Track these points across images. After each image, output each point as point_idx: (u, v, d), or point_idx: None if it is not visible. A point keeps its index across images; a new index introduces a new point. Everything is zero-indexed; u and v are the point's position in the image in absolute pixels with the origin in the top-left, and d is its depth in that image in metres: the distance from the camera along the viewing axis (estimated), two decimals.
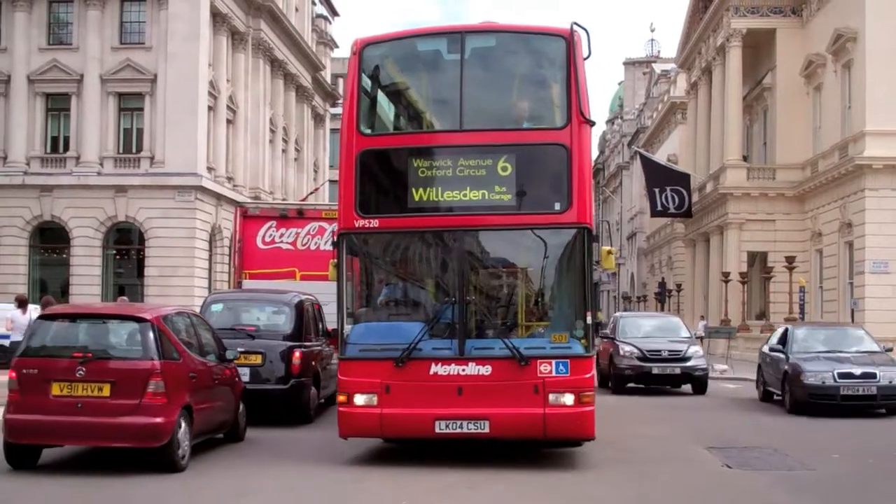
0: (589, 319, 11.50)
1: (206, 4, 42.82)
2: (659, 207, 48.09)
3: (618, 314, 29.85)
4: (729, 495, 10.79)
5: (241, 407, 13.89)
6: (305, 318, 16.39)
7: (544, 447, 12.68)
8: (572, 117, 11.57)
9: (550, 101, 12.48)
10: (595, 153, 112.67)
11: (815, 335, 20.45)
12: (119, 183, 41.93)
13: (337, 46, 70.60)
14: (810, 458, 13.05)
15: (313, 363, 16.21)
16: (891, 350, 20.33)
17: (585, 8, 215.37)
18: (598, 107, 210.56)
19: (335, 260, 11.94)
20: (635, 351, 23.21)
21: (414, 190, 11.83)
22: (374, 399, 11.43)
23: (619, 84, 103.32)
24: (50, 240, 43.53)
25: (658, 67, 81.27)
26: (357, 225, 11.75)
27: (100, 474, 11.26)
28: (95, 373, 10.86)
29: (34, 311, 20.89)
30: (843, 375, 18.07)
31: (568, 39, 11.70)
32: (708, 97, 51.36)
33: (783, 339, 20.38)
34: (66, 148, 42.85)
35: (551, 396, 11.25)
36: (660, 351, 23.27)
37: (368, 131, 12.28)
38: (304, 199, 46.12)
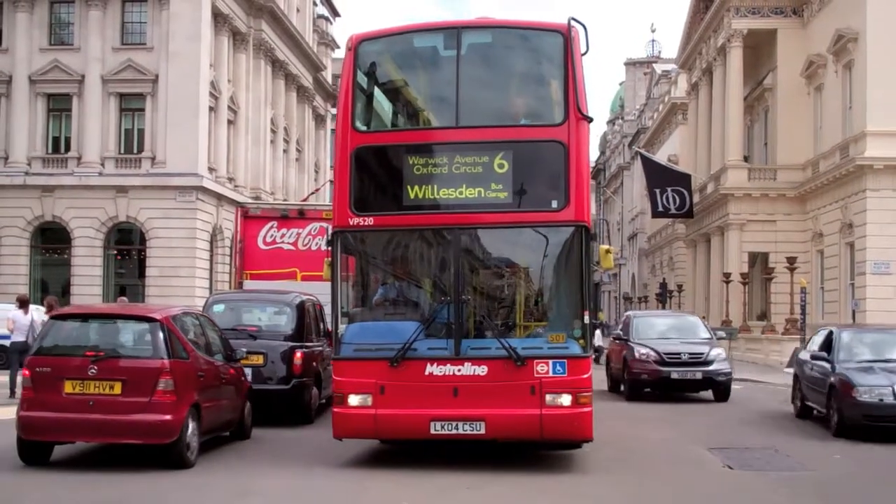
0: (587, 319, 11.33)
1: (207, 5, 42.85)
2: (660, 208, 48.08)
3: (631, 313, 27.03)
4: (730, 496, 10.78)
5: (248, 406, 14.20)
6: (307, 319, 16.42)
7: (543, 449, 12.57)
8: (570, 114, 11.43)
9: (548, 97, 12.38)
10: (596, 154, 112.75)
11: (863, 339, 16.92)
12: (120, 183, 41.96)
13: (338, 47, 70.62)
14: (811, 459, 13.04)
15: (315, 364, 16.23)
16: None
17: (586, 8, 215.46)
18: (599, 107, 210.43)
19: (330, 258, 11.81)
20: (652, 354, 21.22)
21: (409, 187, 11.70)
22: (369, 399, 11.28)
23: (620, 84, 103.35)
24: (51, 240, 43.56)
25: (659, 68, 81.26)
26: (352, 223, 11.61)
27: (109, 471, 11.42)
28: (107, 371, 11.16)
29: (35, 311, 20.99)
30: None
31: (565, 35, 11.55)
32: (709, 98, 51.36)
33: (827, 345, 16.79)
34: (68, 148, 42.87)
35: (548, 397, 11.08)
36: (679, 354, 21.25)
37: (363, 128, 12.16)
38: (305, 200, 46.20)
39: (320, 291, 17.22)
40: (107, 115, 42.40)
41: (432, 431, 11.17)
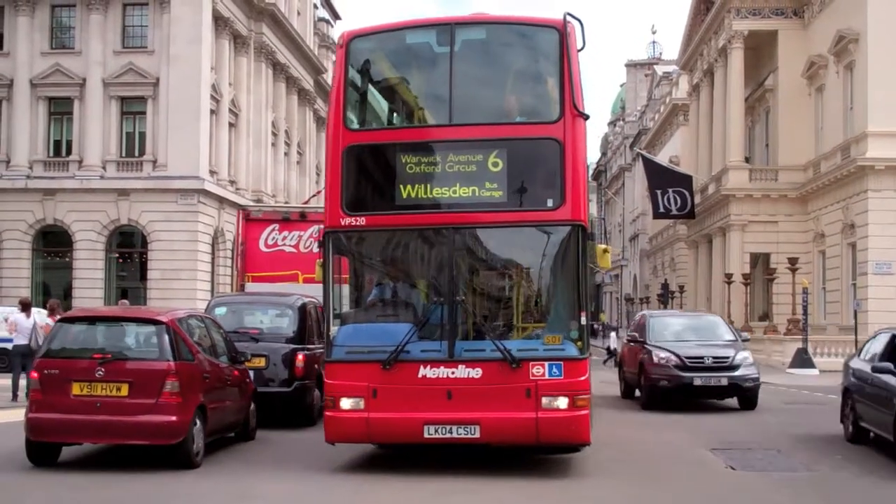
0: (583, 320, 11.00)
1: (208, 8, 42.89)
2: (661, 209, 48.11)
3: (647, 312, 24.67)
4: (732, 497, 10.78)
5: (252, 407, 14.32)
6: (308, 321, 16.42)
7: (540, 454, 12.26)
8: (565, 111, 11.17)
9: (543, 94, 12.09)
10: (597, 155, 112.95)
11: None
12: (122, 186, 42.00)
13: None
14: (814, 459, 13.03)
15: (317, 366, 16.20)
16: None
17: (587, 9, 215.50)
18: (600, 108, 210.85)
19: (322, 260, 11.61)
20: (672, 358, 19.37)
21: (402, 186, 11.44)
22: (361, 403, 11.05)
23: (621, 86, 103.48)
24: (53, 243, 43.61)
25: (660, 69, 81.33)
26: (343, 223, 11.39)
27: (116, 472, 11.53)
28: (114, 373, 11.29)
29: (37, 314, 20.99)
30: None
31: (561, 31, 11.33)
32: (710, 99, 51.38)
33: (891, 352, 13.36)
34: (69, 152, 42.93)
35: (544, 400, 10.81)
36: (702, 358, 19.35)
37: (355, 126, 11.97)
38: (306, 202, 46.17)
39: (322, 294, 17.24)
40: (108, 118, 42.45)
41: (426, 435, 10.95)
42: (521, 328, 11.74)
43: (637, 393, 21.13)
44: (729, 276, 42.01)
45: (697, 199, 48.12)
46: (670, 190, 47.21)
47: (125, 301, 36.94)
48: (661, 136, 72.22)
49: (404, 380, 10.97)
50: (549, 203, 11.16)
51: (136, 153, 43.05)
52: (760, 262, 44.03)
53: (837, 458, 13.34)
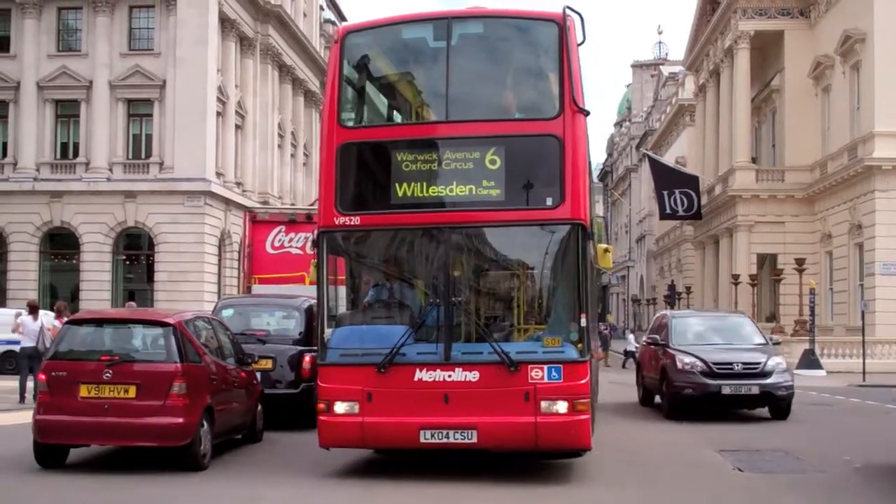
0: (583, 322, 10.71)
1: (214, 10, 42.96)
2: (668, 210, 48.05)
3: (668, 313, 22.64)
4: (739, 498, 10.75)
5: (259, 409, 14.34)
6: (315, 323, 16.41)
7: (542, 459, 12.02)
8: (565, 107, 10.87)
9: (542, 89, 11.78)
10: (603, 156, 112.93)
11: None
12: (128, 188, 42.08)
13: None
14: (822, 461, 13.00)
15: None
16: None
17: (593, 10, 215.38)
18: (606, 109, 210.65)
19: (315, 260, 11.30)
20: (698, 363, 17.70)
21: (397, 185, 11.12)
22: (356, 407, 10.78)
23: (627, 87, 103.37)
24: (60, 245, 43.69)
25: (666, 70, 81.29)
26: (337, 223, 11.10)
27: (123, 474, 11.58)
28: (121, 375, 11.32)
29: (45, 316, 21.03)
30: None
31: (560, 24, 11.01)
32: (716, 99, 51.32)
33: None
34: (76, 154, 43.01)
35: (543, 404, 10.51)
36: (731, 364, 17.68)
37: (350, 123, 11.67)
38: (312, 204, 46.05)
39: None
40: (115, 120, 42.52)
41: (422, 440, 10.67)
42: (519, 330, 11.46)
43: (657, 399, 19.88)
44: (736, 277, 41.96)
45: (704, 200, 48.05)
46: (677, 191, 47.14)
47: (132, 303, 36.98)
48: (667, 137, 72.15)
49: (400, 383, 10.71)
50: (549, 201, 10.88)
51: (143, 155, 43.12)
52: (767, 262, 43.95)
53: (846, 459, 13.32)
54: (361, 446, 11.50)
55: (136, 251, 43.99)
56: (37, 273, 42.71)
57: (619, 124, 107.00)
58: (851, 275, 38.07)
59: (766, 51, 46.22)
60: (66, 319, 15.53)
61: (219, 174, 44.24)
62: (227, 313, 16.79)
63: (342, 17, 74.62)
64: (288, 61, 53.50)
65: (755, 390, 17.49)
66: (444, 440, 10.66)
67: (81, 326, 12.46)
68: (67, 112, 43.28)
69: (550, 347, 10.72)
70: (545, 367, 10.57)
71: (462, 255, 11.39)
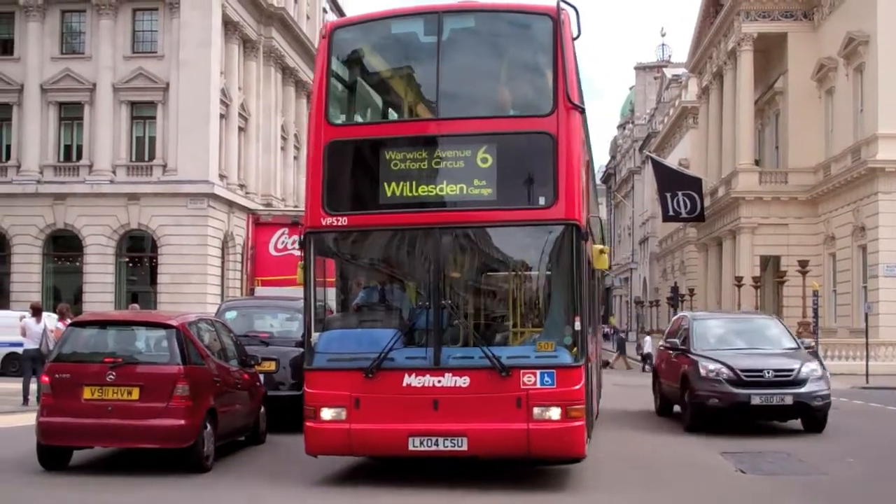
0: (578, 325, 10.36)
1: (217, 13, 43.00)
2: (671, 212, 48.03)
3: (688, 314, 20.39)
4: (742, 501, 10.75)
5: (262, 410, 14.38)
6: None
7: (537, 465, 11.61)
8: (559, 103, 10.50)
9: (535, 85, 11.41)
10: (606, 158, 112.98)
11: None
12: (132, 191, 42.11)
13: None
14: (824, 462, 12.98)
15: None
16: None
17: (596, 12, 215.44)
18: (609, 111, 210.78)
19: (303, 262, 11.00)
20: (723, 370, 15.93)
21: (386, 184, 10.77)
22: (343, 413, 10.49)
23: (631, 89, 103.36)
24: (63, 248, 43.72)
25: (669, 72, 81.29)
26: (324, 223, 10.79)
27: (126, 475, 11.60)
28: (125, 377, 11.34)
29: (48, 319, 21.06)
30: None
31: (554, 18, 10.62)
32: (719, 101, 51.30)
33: None
34: (80, 156, 43.03)
35: (536, 410, 10.16)
36: (761, 371, 15.89)
37: (338, 121, 11.36)
38: None
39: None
40: (118, 123, 42.56)
41: (410, 448, 10.38)
42: (512, 334, 11.08)
43: (676, 408, 18.13)
44: (739, 279, 41.90)
45: (707, 202, 48.03)
46: (680, 193, 47.13)
47: (136, 305, 36.97)
48: (670, 139, 72.14)
49: (388, 389, 10.40)
50: (542, 201, 10.55)
51: (146, 157, 43.14)
52: (770, 264, 43.92)
53: (849, 461, 13.31)
54: (348, 453, 11.23)
55: (139, 253, 44.02)
56: (40, 275, 42.72)
57: (622, 126, 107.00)
58: (855, 277, 38.03)
59: (770, 53, 46.20)
60: (69, 321, 15.55)
61: (222, 176, 44.27)
62: (230, 315, 16.84)
63: None
64: (291, 63, 53.53)
65: (788, 400, 15.64)
66: (434, 448, 10.37)
67: (85, 328, 12.51)
68: (71, 114, 43.31)
69: (543, 352, 10.41)
70: (538, 372, 10.26)
71: (453, 256, 11.11)
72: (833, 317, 39.69)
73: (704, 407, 16.06)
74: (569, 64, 10.58)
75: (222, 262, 44.07)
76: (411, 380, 10.40)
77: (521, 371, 10.25)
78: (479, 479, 11.12)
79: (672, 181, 48.25)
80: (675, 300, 56.49)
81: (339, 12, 72.63)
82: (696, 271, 57.95)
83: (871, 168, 35.53)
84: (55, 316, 22.02)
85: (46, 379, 11.70)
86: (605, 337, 57.76)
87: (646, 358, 40.80)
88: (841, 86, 39.94)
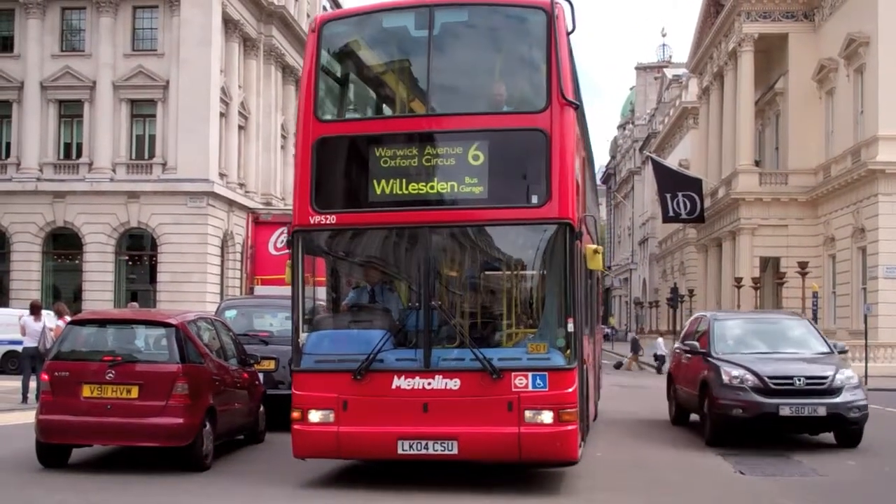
0: (571, 327, 10.13)
1: (217, 11, 42.99)
2: (671, 213, 48.04)
3: (709, 314, 17.95)
4: (742, 502, 10.73)
5: (261, 409, 14.41)
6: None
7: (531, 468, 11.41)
8: (552, 99, 10.26)
9: (528, 81, 11.14)
10: (606, 158, 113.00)
11: None
12: (131, 189, 42.10)
13: None
14: (824, 464, 12.96)
15: None
16: None
17: (597, 13, 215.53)
18: (610, 112, 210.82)
19: (291, 261, 10.77)
20: (748, 377, 14.29)
21: (375, 182, 10.54)
22: (331, 416, 10.33)
23: (631, 89, 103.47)
24: (63, 246, 43.70)
25: (670, 72, 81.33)
26: (312, 221, 10.58)
27: (124, 473, 11.60)
28: (124, 375, 11.36)
29: (47, 317, 21.05)
30: None
31: (548, 12, 10.37)
32: (720, 102, 51.30)
33: None
34: (79, 154, 43.02)
35: (527, 414, 9.98)
36: (791, 378, 14.22)
37: (327, 117, 11.15)
38: None
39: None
40: (118, 121, 42.55)
41: (400, 451, 10.20)
42: (503, 335, 10.88)
43: (693, 417, 16.81)
44: (739, 280, 41.91)
45: (707, 203, 48.04)
46: (680, 194, 47.14)
47: (134, 304, 36.99)
48: (670, 140, 72.14)
49: (377, 391, 10.22)
50: (535, 199, 10.28)
51: (146, 156, 43.14)
52: (770, 265, 43.92)
53: (850, 463, 13.29)
54: (336, 457, 11.05)
55: (138, 252, 44.00)
56: (39, 273, 42.73)
57: (622, 127, 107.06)
58: (854, 278, 38.02)
59: (770, 54, 46.19)
60: (68, 319, 15.55)
61: (222, 175, 44.26)
62: (230, 314, 16.88)
63: None
64: (291, 62, 53.52)
65: (821, 411, 13.98)
66: (423, 451, 10.20)
67: (84, 327, 12.52)
68: (71, 112, 43.30)
69: (536, 354, 10.19)
70: (530, 374, 10.05)
71: (443, 256, 10.94)
72: (832, 318, 39.67)
73: (727, 418, 14.35)
74: (563, 59, 10.35)
75: (222, 261, 44.07)
76: (401, 382, 10.22)
77: (513, 373, 10.07)
78: (479, 477, 11.10)
79: (672, 182, 48.27)
80: (675, 301, 56.54)
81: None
82: (695, 272, 57.96)
83: (871, 170, 35.52)
84: (53, 314, 22.02)
85: (46, 377, 11.71)
86: (606, 337, 57.84)
87: (659, 359, 40.67)
88: (841, 87, 39.93)
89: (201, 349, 12.22)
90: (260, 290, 21.65)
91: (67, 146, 43.58)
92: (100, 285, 41.85)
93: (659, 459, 13.52)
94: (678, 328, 49.25)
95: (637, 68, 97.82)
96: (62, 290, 42.74)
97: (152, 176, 42.50)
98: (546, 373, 10.05)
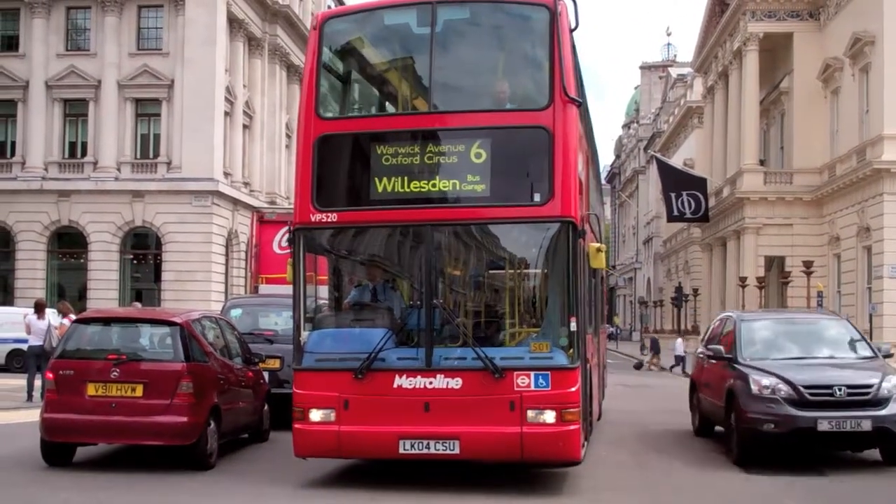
0: (574, 326, 10.10)
1: (222, 10, 43.02)
2: (675, 212, 47.96)
3: (734, 314, 15.75)
4: (745, 499, 10.72)
5: (266, 408, 14.45)
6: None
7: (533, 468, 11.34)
8: (555, 97, 10.21)
9: (531, 78, 11.11)
10: (611, 157, 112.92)
11: None
12: (136, 188, 42.12)
13: None
14: (827, 462, 12.92)
15: None
16: None
17: (601, 12, 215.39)
18: (614, 111, 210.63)
19: (292, 259, 10.75)
20: (781, 386, 12.42)
21: (377, 180, 10.48)
22: (332, 415, 10.29)
23: (636, 88, 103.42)
24: (68, 245, 43.76)
25: (674, 71, 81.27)
26: (314, 219, 10.55)
27: (129, 472, 11.61)
28: (129, 374, 11.38)
29: (52, 315, 21.08)
30: None
31: (551, 9, 10.30)
32: (725, 101, 51.22)
33: None
34: (84, 153, 43.04)
35: (529, 413, 9.93)
36: (831, 387, 12.30)
37: (328, 115, 11.11)
38: None
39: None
40: (123, 120, 42.58)
41: (401, 451, 10.17)
42: (506, 335, 10.81)
43: (718, 428, 15.05)
44: (743, 280, 41.83)
45: (712, 202, 47.97)
46: (684, 193, 47.05)
47: (137, 304, 37.07)
48: (675, 139, 72.06)
49: (378, 390, 10.18)
50: (537, 197, 10.24)
51: (151, 155, 43.16)
52: (775, 265, 43.82)
53: (851, 462, 13.26)
54: (337, 456, 11.02)
55: (143, 251, 44.02)
56: (44, 272, 42.78)
57: (626, 126, 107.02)
58: (859, 278, 37.94)
59: (775, 53, 46.10)
60: (73, 318, 15.58)
61: (226, 174, 44.29)
62: (235, 313, 16.96)
63: None
64: (296, 61, 53.52)
65: (866, 426, 12.13)
66: (425, 451, 10.17)
67: (89, 325, 12.54)
68: (76, 111, 43.32)
69: (538, 353, 10.14)
70: (532, 374, 10.00)
71: (445, 254, 10.87)
72: None
73: (757, 434, 12.52)
74: (566, 56, 10.30)
75: (226, 260, 44.11)
76: (402, 381, 10.19)
77: (515, 373, 10.01)
78: (481, 477, 11.10)
79: (677, 181, 48.17)
80: (679, 300, 56.54)
81: None
82: (700, 271, 57.90)
83: (876, 169, 35.42)
84: (57, 313, 22.05)
85: (50, 375, 11.74)
86: (610, 337, 57.83)
87: (680, 361, 40.40)
88: (847, 86, 39.84)
89: (206, 348, 12.25)
90: (264, 288, 21.67)
91: (72, 145, 43.60)
92: (105, 284, 41.88)
93: (661, 458, 13.51)
94: (683, 327, 49.30)
95: (641, 67, 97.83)
96: (67, 289, 42.79)
97: (157, 175, 42.53)
98: (549, 372, 10.00)
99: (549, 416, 9.97)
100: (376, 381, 10.23)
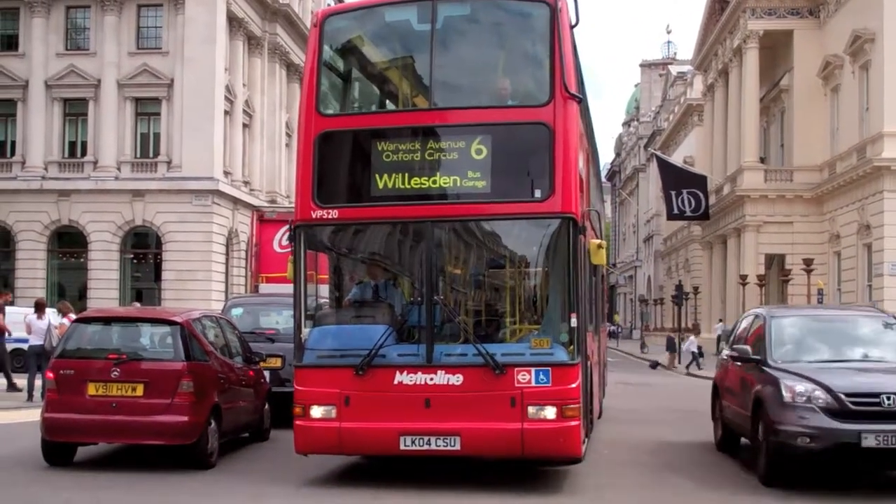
0: (574, 322, 10.07)
1: (222, 9, 43.01)
2: (675, 210, 47.97)
3: (763, 311, 13.44)
4: (747, 499, 10.69)
5: (266, 407, 14.43)
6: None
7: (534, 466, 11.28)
8: (556, 93, 10.21)
9: (531, 74, 11.10)
10: (611, 155, 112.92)
11: None
12: (136, 187, 42.13)
13: None
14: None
15: None
16: None
17: (601, 9, 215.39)
18: (615, 109, 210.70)
19: (292, 256, 10.72)
20: (818, 394, 10.50)
21: (377, 176, 10.50)
22: (333, 411, 10.28)
23: (636, 86, 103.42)
24: (68, 244, 43.77)
25: (674, 69, 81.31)
26: (314, 216, 10.54)
27: (129, 472, 11.59)
28: (129, 373, 11.36)
29: (52, 315, 21.07)
30: None
31: (551, 5, 10.31)
32: (725, 99, 51.23)
33: None
34: (84, 153, 43.05)
35: (530, 409, 9.92)
36: (878, 396, 10.36)
37: (329, 111, 11.10)
38: None
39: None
40: (123, 119, 42.58)
41: (402, 447, 10.17)
42: (506, 331, 10.80)
43: (744, 441, 13.03)
44: (744, 278, 41.85)
45: (712, 200, 47.98)
46: (685, 191, 47.06)
47: (137, 304, 37.09)
48: (675, 137, 72.08)
49: (379, 386, 10.17)
50: (538, 194, 10.24)
51: (151, 154, 43.17)
52: (775, 263, 43.83)
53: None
54: (338, 452, 11.01)
55: (143, 250, 44.02)
56: (45, 271, 42.81)
57: (627, 124, 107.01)
58: (860, 275, 37.95)
59: (775, 50, 46.11)
60: (73, 317, 15.57)
61: (226, 173, 44.29)
62: (236, 312, 16.96)
63: None
64: (296, 60, 53.51)
65: None
66: (426, 447, 10.16)
67: (89, 325, 12.53)
68: (75, 111, 43.32)
69: (539, 349, 10.13)
70: (533, 370, 10.00)
71: (446, 250, 10.90)
72: None
73: (790, 449, 10.62)
74: (566, 52, 10.30)
75: (227, 259, 44.12)
76: (403, 377, 10.18)
77: (516, 369, 10.02)
78: (482, 474, 11.08)
79: (677, 179, 48.18)
80: (680, 298, 56.54)
81: None
82: (700, 269, 57.94)
83: (876, 166, 35.45)
84: (57, 312, 22.03)
85: (51, 375, 11.73)
86: (611, 335, 57.82)
87: (695, 357, 40.04)
88: (847, 83, 39.85)
89: (206, 347, 12.24)
90: (265, 287, 21.66)
91: (72, 145, 43.62)
92: (105, 283, 41.89)
93: (665, 457, 13.48)
94: (683, 325, 49.24)
95: (642, 65, 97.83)
96: (67, 289, 42.81)
97: (157, 174, 42.53)
98: (549, 368, 10.01)
99: (550, 413, 9.97)
100: (377, 377, 10.22)
